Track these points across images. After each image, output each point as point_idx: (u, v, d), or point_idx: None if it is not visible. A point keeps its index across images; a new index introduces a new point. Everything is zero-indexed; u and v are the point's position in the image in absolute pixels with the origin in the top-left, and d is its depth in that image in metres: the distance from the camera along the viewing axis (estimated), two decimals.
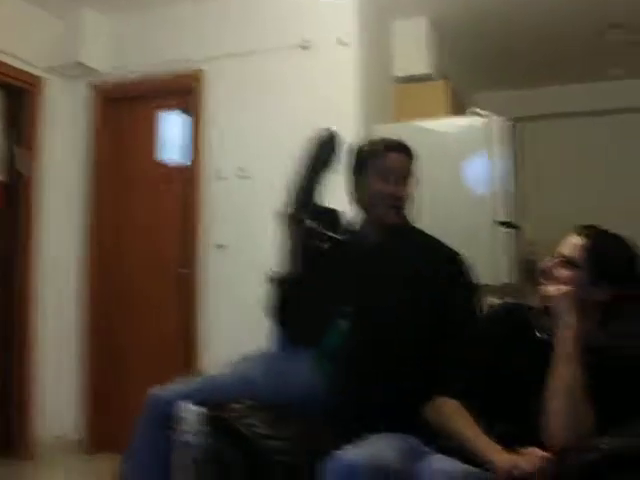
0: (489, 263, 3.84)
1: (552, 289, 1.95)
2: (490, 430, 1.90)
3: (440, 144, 4.11)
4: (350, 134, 4.15)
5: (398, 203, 2.48)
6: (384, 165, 2.48)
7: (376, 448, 1.84)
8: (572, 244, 2.02)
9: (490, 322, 2.21)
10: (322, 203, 2.51)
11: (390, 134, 4.17)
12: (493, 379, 2.02)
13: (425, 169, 4.05)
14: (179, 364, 4.43)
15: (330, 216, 2.52)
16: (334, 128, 2.52)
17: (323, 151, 2.50)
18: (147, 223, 4.73)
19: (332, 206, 2.56)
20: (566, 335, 1.89)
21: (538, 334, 2.04)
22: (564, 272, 1.99)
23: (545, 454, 1.75)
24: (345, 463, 1.75)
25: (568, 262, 1.99)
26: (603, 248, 2.01)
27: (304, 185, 2.46)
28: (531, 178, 4.72)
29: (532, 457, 1.75)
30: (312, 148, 2.49)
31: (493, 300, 2.54)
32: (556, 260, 2.02)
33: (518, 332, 2.09)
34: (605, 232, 2.06)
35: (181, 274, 4.54)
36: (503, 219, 3.94)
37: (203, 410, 1.15)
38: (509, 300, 2.55)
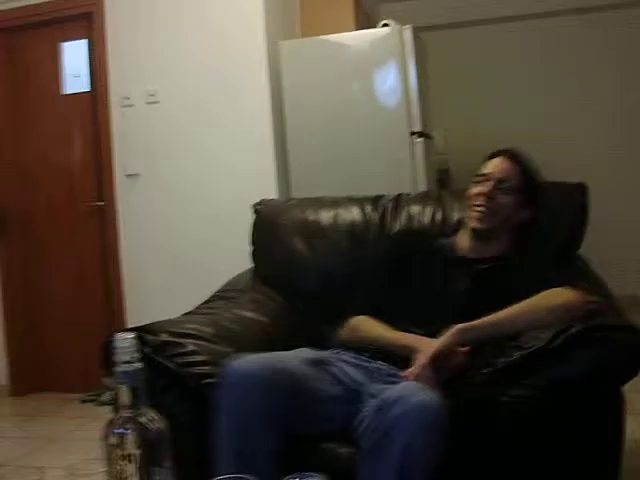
0: (408, 174, 3.88)
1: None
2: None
3: (350, 58, 4.06)
4: (259, 51, 4.09)
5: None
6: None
7: (273, 355, 1.83)
8: (504, 168, 2.07)
9: (399, 242, 2.27)
10: None
11: (297, 50, 4.12)
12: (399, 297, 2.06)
13: (337, 84, 4.07)
14: (99, 304, 4.42)
15: None
16: None
17: None
18: (56, 159, 4.56)
19: None
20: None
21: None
22: (504, 197, 2.04)
23: (463, 349, 1.79)
24: (237, 369, 1.72)
25: (507, 186, 2.05)
26: (532, 173, 2.11)
27: None
28: (436, 88, 4.70)
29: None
30: None
31: (416, 209, 2.56)
32: (492, 183, 2.06)
33: (430, 251, 2.15)
34: (525, 156, 2.13)
35: (96, 207, 4.43)
36: (418, 129, 3.96)
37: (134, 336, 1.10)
38: (429, 209, 2.57)
